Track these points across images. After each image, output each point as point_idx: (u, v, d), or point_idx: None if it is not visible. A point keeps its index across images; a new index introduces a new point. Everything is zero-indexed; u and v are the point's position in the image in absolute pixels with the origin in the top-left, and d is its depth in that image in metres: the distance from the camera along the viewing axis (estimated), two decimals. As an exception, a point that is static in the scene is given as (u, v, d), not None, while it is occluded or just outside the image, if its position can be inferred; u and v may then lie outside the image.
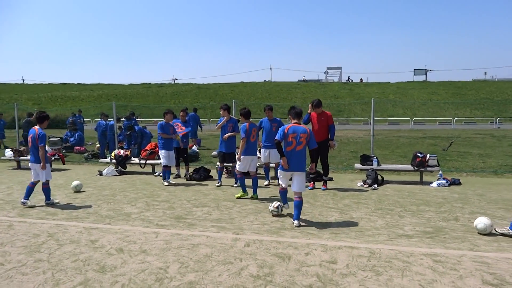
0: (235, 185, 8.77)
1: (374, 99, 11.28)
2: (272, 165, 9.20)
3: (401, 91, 57.51)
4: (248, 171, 7.83)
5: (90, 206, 7.03)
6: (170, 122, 9.41)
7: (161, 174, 10.41)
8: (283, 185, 6.17)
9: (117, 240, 5.12)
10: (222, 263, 4.32)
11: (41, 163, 6.90)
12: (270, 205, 6.37)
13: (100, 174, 10.55)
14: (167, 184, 9.00)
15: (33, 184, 7.13)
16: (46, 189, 7.18)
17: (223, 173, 9.70)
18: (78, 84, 74.83)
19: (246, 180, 7.80)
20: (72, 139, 16.68)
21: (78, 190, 8.31)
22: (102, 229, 5.63)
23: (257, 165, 9.59)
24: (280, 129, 5.96)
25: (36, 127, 7.06)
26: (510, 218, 6.05)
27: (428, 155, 9.04)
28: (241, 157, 7.58)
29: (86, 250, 4.73)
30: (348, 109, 47.30)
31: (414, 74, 69.40)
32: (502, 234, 5.17)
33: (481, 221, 5.27)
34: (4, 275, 4.01)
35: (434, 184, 8.76)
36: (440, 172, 9.24)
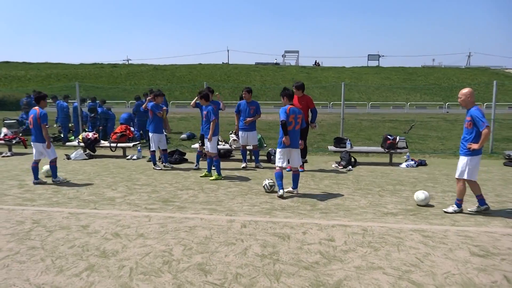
0: (195, 167, 8.85)
1: (344, 83, 11.60)
2: (250, 147, 9.26)
3: (356, 76, 59.21)
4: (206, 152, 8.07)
5: (68, 191, 6.77)
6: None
7: (134, 158, 10.20)
8: (284, 165, 6.45)
9: (109, 224, 5.00)
10: (225, 244, 4.37)
11: (46, 142, 7.26)
12: (265, 181, 6.77)
13: (68, 158, 10.12)
14: (159, 168, 8.80)
15: (36, 163, 7.33)
16: (54, 167, 7.41)
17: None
18: (23, 63, 70.00)
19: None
20: (27, 122, 15.76)
21: (49, 174, 7.92)
22: (90, 214, 5.46)
23: (234, 147, 9.71)
24: (282, 110, 6.36)
25: (36, 107, 7.22)
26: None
27: (398, 138, 9.50)
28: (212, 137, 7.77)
29: (80, 236, 4.59)
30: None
31: (368, 59, 71.51)
32: (476, 212, 5.60)
33: (422, 196, 5.91)
34: (-1, 264, 3.83)
35: (403, 165, 9.24)
36: (408, 153, 9.75)
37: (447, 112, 31.02)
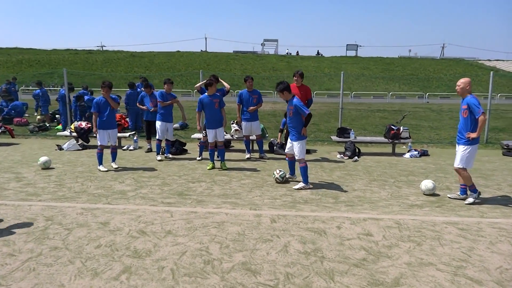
0: (198, 158, 8.56)
1: (343, 73, 11.47)
2: (253, 137, 9.02)
3: (335, 65, 59.42)
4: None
5: (73, 185, 6.36)
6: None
7: (131, 148, 9.81)
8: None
9: (130, 221, 4.69)
10: (261, 241, 4.15)
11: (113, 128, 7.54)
12: (276, 173, 6.62)
13: (60, 148, 9.59)
14: (160, 159, 8.41)
15: (112, 149, 7.65)
16: (114, 153, 7.67)
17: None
18: (-10, 47, 66.60)
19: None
20: (6, 110, 14.92)
21: (47, 166, 7.48)
22: (105, 209, 5.12)
23: (236, 137, 9.44)
24: (300, 102, 6.29)
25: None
26: (492, 186, 6.59)
27: (401, 128, 9.47)
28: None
29: (103, 234, 4.27)
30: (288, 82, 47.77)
31: (346, 49, 71.79)
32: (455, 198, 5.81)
33: (431, 185, 5.97)
34: (24, 268, 3.48)
35: (407, 155, 9.23)
36: (410, 144, 9.75)
37: (428, 102, 31.56)
